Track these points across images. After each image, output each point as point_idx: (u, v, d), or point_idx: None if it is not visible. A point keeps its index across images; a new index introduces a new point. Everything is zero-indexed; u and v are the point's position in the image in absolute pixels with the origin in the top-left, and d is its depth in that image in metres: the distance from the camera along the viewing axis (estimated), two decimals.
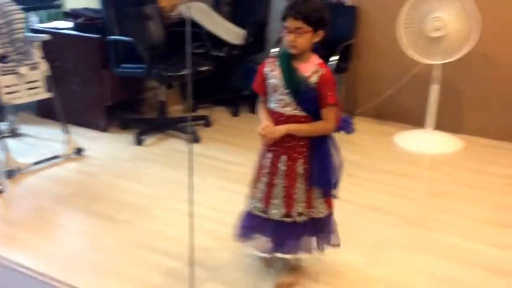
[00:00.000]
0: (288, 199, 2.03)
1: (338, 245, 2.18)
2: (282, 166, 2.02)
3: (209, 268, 2.27)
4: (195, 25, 4.25)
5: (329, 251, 2.19)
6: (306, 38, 1.92)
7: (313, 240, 2.14)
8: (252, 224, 2.15)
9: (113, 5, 3.73)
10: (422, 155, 3.64)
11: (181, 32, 4.19)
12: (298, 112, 1.98)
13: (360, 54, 4.18)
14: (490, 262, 2.36)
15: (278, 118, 2.01)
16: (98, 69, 3.78)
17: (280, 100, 1.99)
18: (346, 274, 2.26)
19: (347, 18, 4.10)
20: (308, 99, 1.97)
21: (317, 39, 1.95)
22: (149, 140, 3.78)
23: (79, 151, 3.45)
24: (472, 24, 3.40)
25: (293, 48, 1.94)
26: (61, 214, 2.80)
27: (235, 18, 4.46)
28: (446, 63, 3.54)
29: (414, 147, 3.68)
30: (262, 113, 2.08)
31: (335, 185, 2.07)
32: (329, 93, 1.95)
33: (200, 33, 4.16)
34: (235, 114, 4.37)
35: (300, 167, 2.02)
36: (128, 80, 3.94)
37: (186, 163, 3.35)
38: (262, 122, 2.03)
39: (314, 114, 1.98)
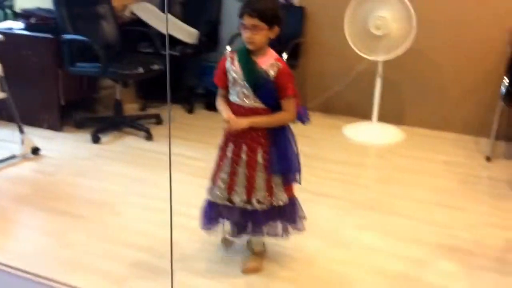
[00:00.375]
0: (250, 187, 2.14)
1: (302, 230, 2.29)
2: (243, 156, 2.13)
3: (178, 259, 2.33)
4: (145, 24, 4.32)
5: (290, 237, 2.31)
6: (262, 34, 2.03)
7: (279, 225, 2.26)
8: (216, 213, 2.25)
9: (65, 4, 3.74)
10: (369, 145, 3.89)
11: (133, 31, 4.30)
12: (257, 104, 2.09)
13: (308, 52, 4.39)
14: (438, 240, 2.58)
15: (238, 110, 2.11)
16: (51, 69, 3.78)
17: (240, 93, 2.10)
18: (308, 258, 2.41)
19: (295, 18, 4.29)
20: (267, 92, 2.08)
21: (273, 35, 2.07)
22: (105, 138, 3.81)
23: (35, 150, 3.44)
24: (410, 23, 3.67)
25: (250, 44, 2.05)
26: (23, 213, 2.79)
27: (187, 18, 4.52)
28: (388, 59, 3.80)
29: (362, 138, 3.93)
30: (222, 105, 2.17)
31: (295, 171, 2.20)
32: (288, 85, 2.07)
33: (150, 33, 4.23)
34: (190, 111, 4.46)
35: (260, 157, 2.13)
36: (81, 79, 3.96)
37: (144, 159, 3.49)
38: (225, 112, 2.12)
39: (273, 106, 2.10)
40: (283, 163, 2.15)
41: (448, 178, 3.31)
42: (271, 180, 2.15)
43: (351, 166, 3.46)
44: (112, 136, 3.87)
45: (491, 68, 3.82)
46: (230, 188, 2.17)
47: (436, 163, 3.54)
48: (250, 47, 2.06)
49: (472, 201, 3.01)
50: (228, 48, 4.13)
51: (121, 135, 3.90)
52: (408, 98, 4.18)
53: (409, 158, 3.61)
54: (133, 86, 4.55)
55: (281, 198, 2.18)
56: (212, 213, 2.26)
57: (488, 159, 3.56)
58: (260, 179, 2.14)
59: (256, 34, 2.02)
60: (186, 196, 2.91)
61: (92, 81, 4.19)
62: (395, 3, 3.71)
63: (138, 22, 4.37)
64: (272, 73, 2.06)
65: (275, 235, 2.27)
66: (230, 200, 2.18)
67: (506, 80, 3.43)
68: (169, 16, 4.47)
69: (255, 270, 2.29)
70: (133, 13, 4.46)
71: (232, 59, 2.13)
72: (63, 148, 3.65)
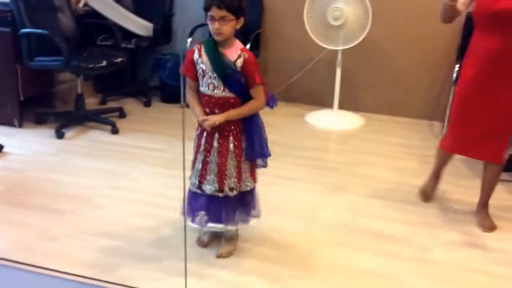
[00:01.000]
0: (221, 175, 2.21)
1: (258, 216, 2.38)
2: (215, 143, 2.19)
3: (161, 247, 2.40)
4: (103, 17, 4.25)
5: (270, 221, 2.41)
6: (230, 25, 2.08)
7: (242, 212, 2.32)
8: (193, 201, 2.30)
9: None
10: (332, 131, 4.05)
11: (89, 24, 4.22)
12: (227, 94, 2.15)
13: (268, 42, 4.49)
14: (408, 216, 2.77)
15: (209, 100, 2.17)
16: (9, 64, 3.66)
17: (209, 83, 2.15)
18: (292, 239, 2.51)
19: (254, 9, 4.37)
20: (236, 82, 2.14)
21: (238, 26, 2.13)
22: (69, 133, 3.75)
23: None
24: (366, 14, 3.84)
25: (218, 35, 2.09)
26: None
27: (140, 11, 4.46)
28: (346, 48, 3.96)
29: (324, 125, 4.08)
30: (194, 103, 2.21)
31: (267, 156, 2.29)
32: (255, 74, 2.14)
33: (110, 25, 4.18)
34: (147, 104, 4.44)
35: (231, 144, 2.20)
36: (40, 73, 3.85)
37: (112, 153, 3.49)
38: (198, 113, 2.17)
39: (242, 95, 2.17)
40: (259, 149, 2.23)
41: (408, 160, 3.52)
42: (240, 166, 2.23)
43: (318, 152, 3.61)
44: (75, 131, 3.81)
45: (442, 56, 4.05)
46: (202, 176, 2.23)
47: (395, 146, 3.74)
48: (218, 38, 2.10)
49: None
50: (189, 40, 4.16)
51: (85, 130, 3.85)
52: (365, 86, 4.37)
53: (370, 142, 3.79)
54: (91, 80, 4.48)
55: (248, 183, 2.28)
56: (191, 202, 2.30)
57: None
58: (231, 166, 2.21)
59: (224, 25, 2.06)
60: (158, 186, 2.97)
61: (51, 75, 4.08)
62: None
63: (94, 14, 4.30)
64: (239, 63, 2.12)
65: (245, 221, 2.33)
66: (200, 188, 2.24)
67: (457, 66, 3.68)
68: (122, 8, 4.41)
69: (229, 254, 2.36)
70: (87, 5, 4.38)
71: (199, 50, 2.16)
72: (27, 144, 3.56)
